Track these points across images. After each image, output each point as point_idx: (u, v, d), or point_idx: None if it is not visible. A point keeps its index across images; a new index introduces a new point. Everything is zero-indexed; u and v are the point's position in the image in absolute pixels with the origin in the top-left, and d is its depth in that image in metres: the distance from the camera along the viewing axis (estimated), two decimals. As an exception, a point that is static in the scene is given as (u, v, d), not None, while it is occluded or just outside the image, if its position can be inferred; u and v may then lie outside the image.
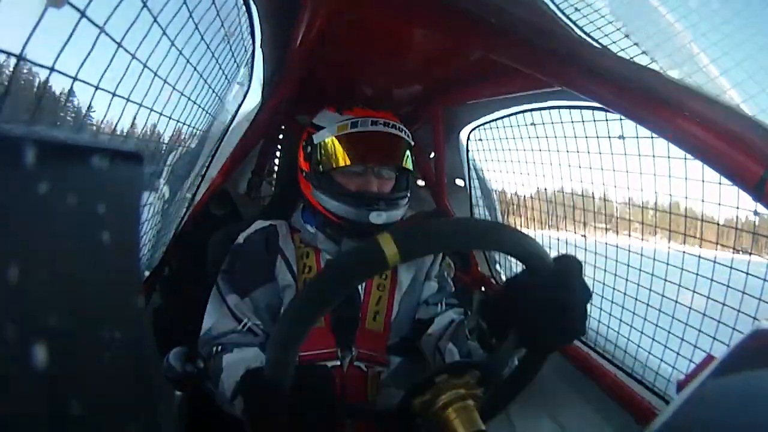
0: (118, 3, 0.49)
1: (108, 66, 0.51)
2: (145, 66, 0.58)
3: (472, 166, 1.44)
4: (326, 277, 0.46)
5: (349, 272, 0.44)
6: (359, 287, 0.88)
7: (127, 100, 0.56)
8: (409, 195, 0.94)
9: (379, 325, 0.86)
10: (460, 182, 1.48)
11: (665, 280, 0.84)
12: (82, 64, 0.46)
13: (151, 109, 0.65)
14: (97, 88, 0.50)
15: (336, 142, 0.90)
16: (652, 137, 0.78)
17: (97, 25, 0.46)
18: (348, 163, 0.89)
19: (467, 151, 1.43)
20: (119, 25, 0.50)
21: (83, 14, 0.44)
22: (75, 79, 0.45)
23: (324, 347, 0.82)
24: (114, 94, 0.54)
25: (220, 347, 0.78)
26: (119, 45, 0.51)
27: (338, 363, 0.82)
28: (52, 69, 0.41)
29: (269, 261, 0.89)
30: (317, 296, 0.45)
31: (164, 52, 0.62)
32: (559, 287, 0.51)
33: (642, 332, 0.89)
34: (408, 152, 0.93)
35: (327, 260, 0.91)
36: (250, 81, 1.12)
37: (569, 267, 0.53)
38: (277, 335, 0.47)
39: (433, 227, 0.47)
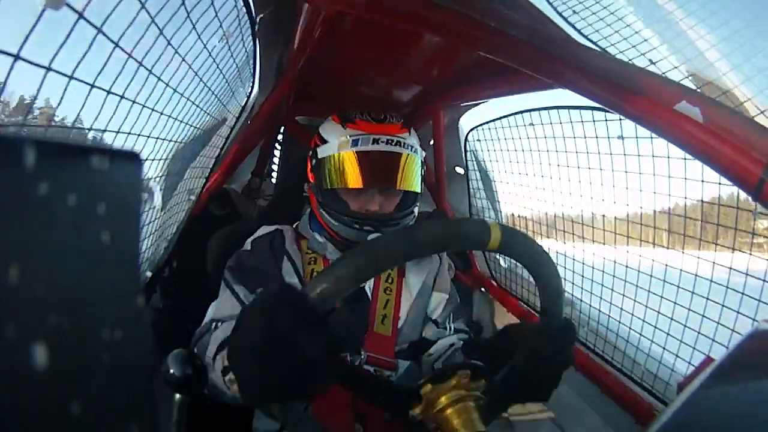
0: (116, 4, 0.49)
1: (104, 64, 0.51)
2: (140, 64, 0.58)
3: (471, 167, 1.45)
4: (430, 228, 0.45)
5: (452, 234, 0.45)
6: (367, 289, 0.88)
7: (121, 97, 0.56)
8: (415, 212, 0.91)
9: (387, 328, 0.86)
10: (459, 170, 1.48)
11: (664, 281, 0.84)
12: (79, 62, 0.46)
13: (152, 109, 0.65)
14: (92, 86, 0.50)
15: (337, 160, 0.87)
16: (651, 138, 0.78)
17: (95, 26, 0.46)
18: (347, 185, 0.87)
19: (465, 151, 1.43)
20: (116, 25, 0.50)
21: (81, 15, 0.44)
22: (71, 77, 0.45)
23: None
24: (108, 92, 0.53)
25: (217, 324, 0.74)
26: (116, 45, 0.51)
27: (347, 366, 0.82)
28: (48, 68, 0.41)
29: (275, 263, 0.88)
30: (411, 238, 0.44)
31: (161, 53, 0.62)
32: (556, 352, 0.57)
33: (641, 334, 0.89)
34: (414, 169, 0.89)
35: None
36: (252, 82, 1.12)
37: (569, 335, 0.57)
38: (354, 256, 0.43)
39: (531, 241, 0.50)
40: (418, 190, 0.91)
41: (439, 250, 0.50)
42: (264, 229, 0.95)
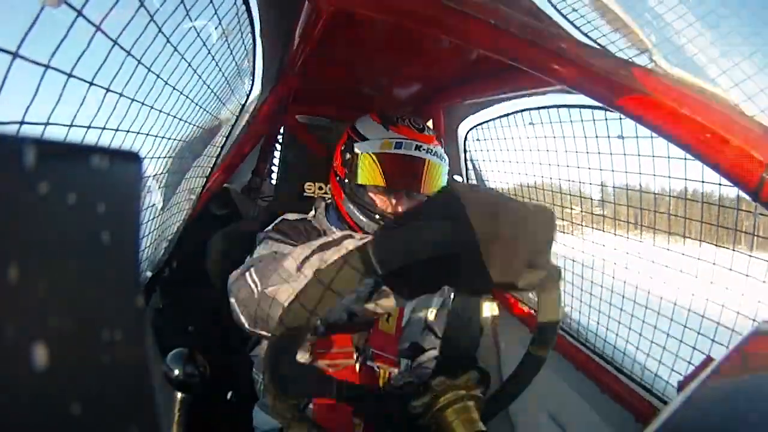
0: (114, 2, 0.49)
1: (103, 63, 0.51)
2: (139, 62, 0.58)
3: (470, 166, 1.44)
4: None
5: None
6: None
7: (120, 95, 0.56)
8: None
9: (390, 326, 0.88)
10: (458, 178, 1.48)
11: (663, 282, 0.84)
12: (77, 61, 0.46)
13: (151, 107, 0.65)
14: (91, 84, 0.50)
15: (377, 159, 0.89)
16: (651, 137, 0.78)
17: (93, 24, 0.46)
18: (385, 184, 0.89)
19: (465, 151, 1.43)
20: (114, 22, 0.50)
21: (80, 13, 0.44)
22: (70, 75, 0.45)
23: (341, 346, 0.83)
24: (108, 90, 0.53)
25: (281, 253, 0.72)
26: (115, 42, 0.51)
27: (353, 362, 0.82)
28: (47, 66, 0.41)
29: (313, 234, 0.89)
30: None
31: (160, 50, 0.62)
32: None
33: (641, 334, 0.89)
34: (443, 178, 0.94)
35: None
36: (252, 80, 1.12)
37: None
38: None
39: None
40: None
41: None
42: (289, 215, 0.96)
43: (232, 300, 0.69)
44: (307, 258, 0.59)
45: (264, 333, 0.64)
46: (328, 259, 0.56)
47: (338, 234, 0.61)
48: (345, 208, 0.92)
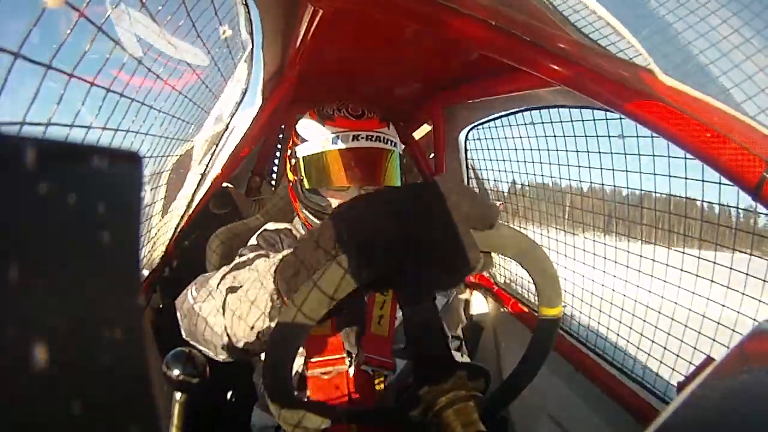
0: (116, 3, 0.49)
1: (104, 63, 0.51)
2: (139, 62, 0.58)
3: (470, 166, 1.44)
4: None
5: None
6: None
7: (121, 95, 0.56)
8: None
9: (383, 329, 0.86)
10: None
11: (665, 281, 0.84)
12: (79, 61, 0.46)
13: (151, 107, 0.65)
14: (92, 84, 0.50)
15: (318, 159, 0.86)
16: (651, 137, 0.78)
17: (95, 24, 0.46)
18: (330, 184, 0.87)
19: (465, 150, 1.43)
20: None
21: (81, 13, 0.44)
22: (71, 75, 0.45)
23: (332, 353, 0.82)
24: (108, 90, 0.53)
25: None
26: (116, 43, 0.51)
27: (346, 367, 0.82)
28: (48, 66, 0.41)
29: None
30: None
31: (160, 51, 0.62)
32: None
33: (642, 334, 0.89)
34: (394, 163, 0.89)
35: None
36: (248, 79, 1.12)
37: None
38: None
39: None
40: (399, 185, 0.90)
41: None
42: (271, 225, 0.95)
43: (178, 313, 0.72)
44: (223, 277, 0.63)
45: (196, 345, 0.68)
46: (240, 278, 0.60)
47: (253, 254, 0.65)
48: (302, 214, 0.91)
